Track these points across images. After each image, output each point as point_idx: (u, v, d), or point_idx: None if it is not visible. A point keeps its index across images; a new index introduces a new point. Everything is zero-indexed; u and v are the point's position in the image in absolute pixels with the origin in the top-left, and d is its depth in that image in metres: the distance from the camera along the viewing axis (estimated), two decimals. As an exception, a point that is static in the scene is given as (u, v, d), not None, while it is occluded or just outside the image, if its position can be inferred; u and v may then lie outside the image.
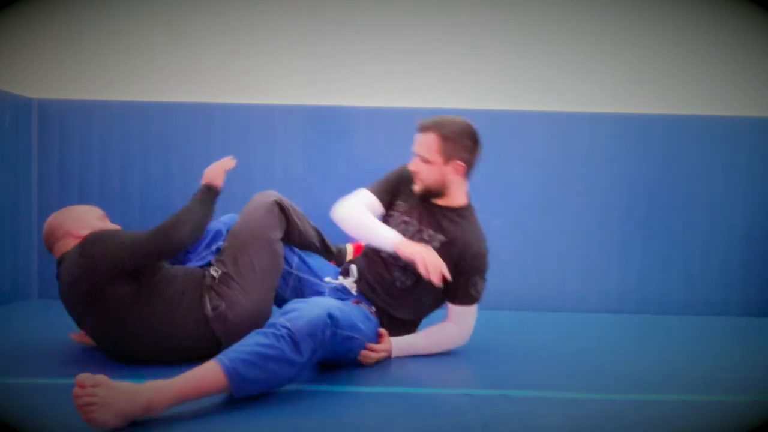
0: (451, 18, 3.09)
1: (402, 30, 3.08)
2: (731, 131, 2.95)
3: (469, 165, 1.96)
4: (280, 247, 1.96)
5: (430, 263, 1.79)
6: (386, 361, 1.90)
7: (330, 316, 1.56)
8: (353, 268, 2.04)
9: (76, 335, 2.04)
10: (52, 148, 2.95)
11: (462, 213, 2.01)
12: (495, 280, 2.96)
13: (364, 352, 1.82)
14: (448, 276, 1.82)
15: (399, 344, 1.92)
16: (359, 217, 1.95)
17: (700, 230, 2.96)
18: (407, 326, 2.02)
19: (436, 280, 1.78)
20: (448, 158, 1.90)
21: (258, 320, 1.84)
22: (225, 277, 1.86)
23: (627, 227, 2.96)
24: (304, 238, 2.08)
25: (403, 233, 1.93)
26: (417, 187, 1.97)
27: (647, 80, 3.09)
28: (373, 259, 2.01)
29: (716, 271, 2.96)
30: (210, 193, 1.96)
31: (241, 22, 3.09)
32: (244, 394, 1.47)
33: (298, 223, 2.04)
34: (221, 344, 1.78)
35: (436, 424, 1.38)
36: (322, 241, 2.20)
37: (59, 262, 1.85)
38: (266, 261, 1.89)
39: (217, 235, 2.06)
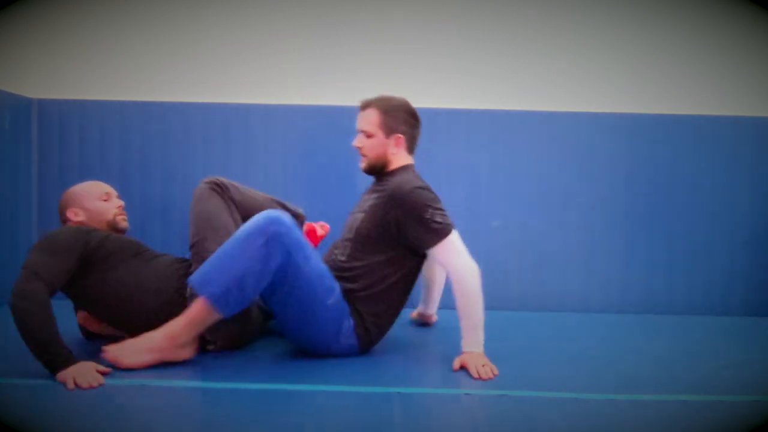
0: (451, 18, 3.09)
1: (402, 30, 3.08)
2: (732, 131, 2.95)
3: (410, 139, 2.00)
4: (235, 226, 1.95)
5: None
6: (385, 360, 1.91)
7: (279, 218, 1.71)
8: None
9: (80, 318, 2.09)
10: (52, 148, 2.95)
11: (396, 171, 1.98)
12: (496, 281, 2.98)
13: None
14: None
15: (469, 343, 1.82)
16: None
17: (701, 230, 2.96)
18: (370, 297, 1.91)
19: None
20: (389, 131, 1.95)
21: None
22: None
23: (628, 227, 2.96)
24: (250, 209, 2.03)
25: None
26: (362, 164, 2.01)
27: (647, 80, 3.09)
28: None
29: (718, 271, 2.96)
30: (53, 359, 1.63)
31: (241, 22, 3.09)
32: (209, 294, 1.67)
33: (240, 198, 2.06)
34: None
35: (436, 424, 1.38)
36: (284, 207, 2.21)
37: None
38: None
39: None
